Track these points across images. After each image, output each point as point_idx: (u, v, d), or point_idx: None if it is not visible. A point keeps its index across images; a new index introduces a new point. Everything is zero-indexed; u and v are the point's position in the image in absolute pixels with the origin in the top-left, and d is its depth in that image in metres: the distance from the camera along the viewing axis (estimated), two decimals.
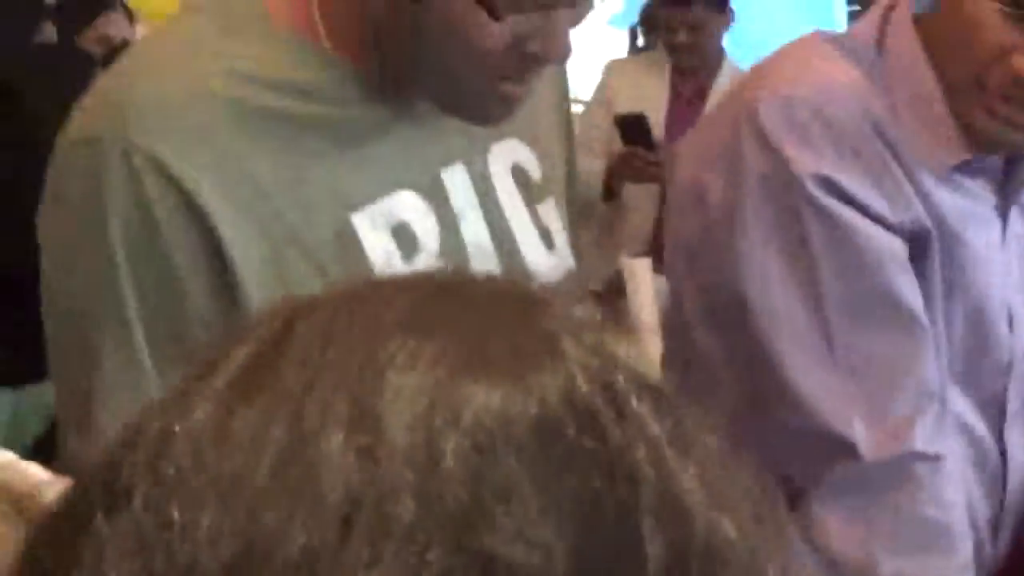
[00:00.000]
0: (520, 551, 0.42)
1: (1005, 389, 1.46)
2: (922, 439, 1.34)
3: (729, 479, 0.47)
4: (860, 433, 1.32)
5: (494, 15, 1.09)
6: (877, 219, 1.36)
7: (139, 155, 1.11)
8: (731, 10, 3.61)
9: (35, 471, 1.59)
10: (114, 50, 3.28)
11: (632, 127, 3.42)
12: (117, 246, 1.13)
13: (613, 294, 2.68)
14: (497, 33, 1.10)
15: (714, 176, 1.41)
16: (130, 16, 3.73)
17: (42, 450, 2.04)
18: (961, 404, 1.43)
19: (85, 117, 1.18)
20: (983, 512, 1.45)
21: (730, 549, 0.45)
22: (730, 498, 0.46)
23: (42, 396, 2.71)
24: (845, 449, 1.32)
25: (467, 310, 0.48)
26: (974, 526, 1.40)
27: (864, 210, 1.35)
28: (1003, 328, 1.45)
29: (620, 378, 0.47)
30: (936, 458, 1.34)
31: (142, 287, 1.13)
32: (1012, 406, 1.46)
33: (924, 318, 1.37)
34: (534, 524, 0.43)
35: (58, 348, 1.21)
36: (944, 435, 1.37)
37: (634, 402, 0.46)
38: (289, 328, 0.47)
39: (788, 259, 1.36)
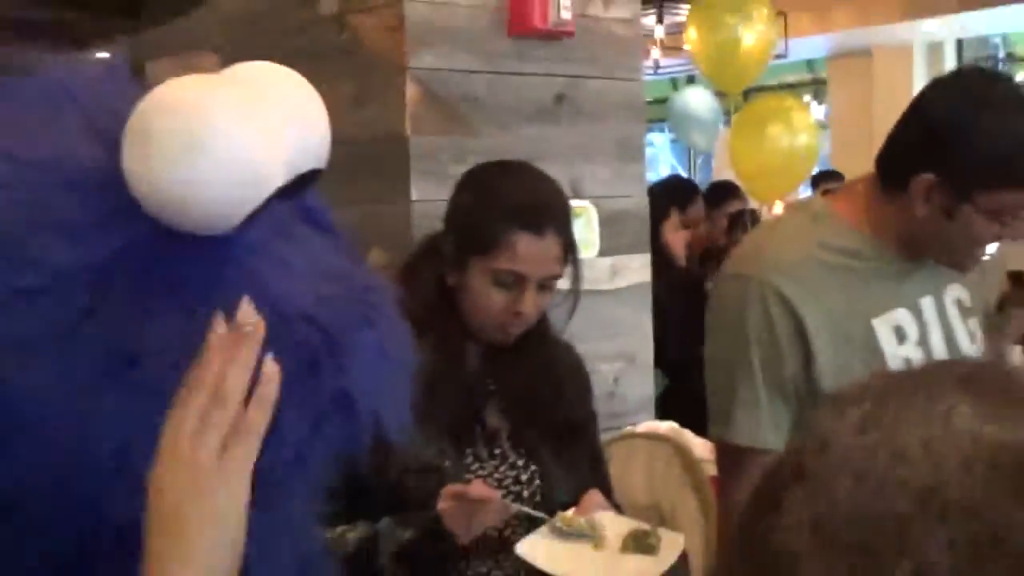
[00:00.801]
0: None
1: None
2: None
3: None
4: None
5: (999, 222, 1.60)
6: None
7: (768, 287, 1.65)
8: None
9: (694, 439, 2.78)
10: (736, 216, 4.74)
11: (1018, 278, 4.49)
12: (751, 336, 1.68)
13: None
14: (990, 229, 1.62)
15: None
16: (743, 196, 5.17)
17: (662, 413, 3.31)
18: None
19: (737, 260, 1.75)
20: None
21: None
22: None
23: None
24: None
25: (967, 379, 0.63)
26: None
27: None
28: None
29: None
30: None
31: (762, 355, 1.68)
32: None
33: None
34: None
35: (712, 380, 1.77)
36: None
37: None
38: (883, 396, 0.64)
39: None
